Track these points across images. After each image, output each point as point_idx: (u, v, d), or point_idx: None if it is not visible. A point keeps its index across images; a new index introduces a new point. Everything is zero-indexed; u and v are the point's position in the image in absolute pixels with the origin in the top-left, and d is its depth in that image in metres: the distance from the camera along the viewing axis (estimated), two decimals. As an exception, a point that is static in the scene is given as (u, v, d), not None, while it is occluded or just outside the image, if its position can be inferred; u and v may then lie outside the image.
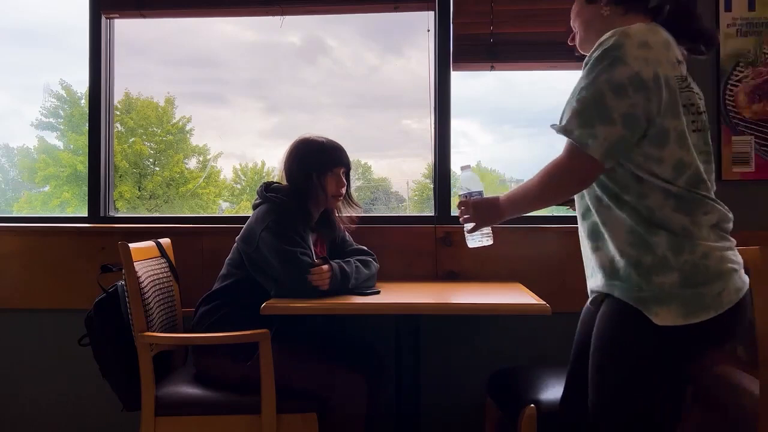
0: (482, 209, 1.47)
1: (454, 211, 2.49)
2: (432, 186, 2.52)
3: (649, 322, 1.18)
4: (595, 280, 1.33)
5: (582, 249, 1.39)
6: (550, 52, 2.41)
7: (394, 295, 1.82)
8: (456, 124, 2.50)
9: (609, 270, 1.26)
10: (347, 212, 2.11)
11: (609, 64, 1.18)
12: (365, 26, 2.71)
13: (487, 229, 1.55)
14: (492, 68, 2.45)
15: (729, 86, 2.31)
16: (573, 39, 1.46)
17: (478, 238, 1.57)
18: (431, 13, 2.49)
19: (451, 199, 2.48)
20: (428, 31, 2.49)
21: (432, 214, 2.48)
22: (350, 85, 2.74)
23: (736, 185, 2.30)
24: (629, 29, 1.21)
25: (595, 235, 1.30)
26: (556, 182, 1.28)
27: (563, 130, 1.22)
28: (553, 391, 1.69)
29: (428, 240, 2.37)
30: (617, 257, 1.24)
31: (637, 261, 1.21)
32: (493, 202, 1.43)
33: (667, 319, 1.17)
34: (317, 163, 1.97)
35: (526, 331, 2.19)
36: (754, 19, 2.30)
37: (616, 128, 1.17)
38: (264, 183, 2.01)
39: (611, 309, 1.26)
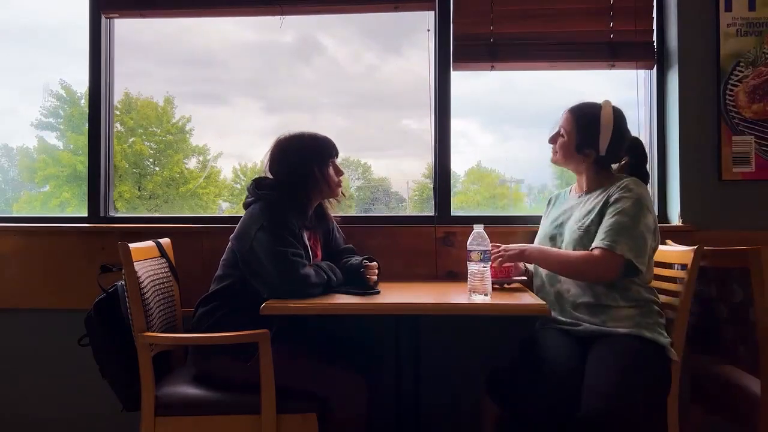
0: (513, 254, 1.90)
1: (455, 211, 2.49)
2: (432, 186, 2.52)
3: (664, 351, 1.73)
4: (598, 323, 1.80)
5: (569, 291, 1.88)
6: (550, 51, 2.41)
7: (394, 295, 1.81)
8: (456, 124, 2.50)
9: (630, 325, 1.76)
10: (340, 203, 2.15)
11: (642, 210, 1.76)
12: (365, 26, 2.70)
13: (490, 291, 1.70)
14: (492, 68, 2.45)
15: (729, 86, 2.31)
16: (554, 146, 1.99)
17: (481, 298, 1.67)
18: (431, 13, 2.49)
19: (451, 199, 2.48)
20: (428, 30, 2.49)
21: (432, 214, 2.48)
22: (350, 84, 2.74)
23: (736, 185, 2.30)
24: (638, 181, 1.84)
25: (602, 310, 1.81)
26: (584, 270, 1.78)
27: (612, 248, 1.72)
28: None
29: (428, 240, 2.37)
30: (631, 320, 1.76)
31: (645, 321, 1.76)
32: (522, 249, 1.90)
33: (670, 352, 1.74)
34: (317, 156, 1.98)
35: (526, 331, 2.18)
36: (754, 19, 2.30)
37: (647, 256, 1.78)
38: (254, 180, 2.00)
39: (634, 343, 1.70)
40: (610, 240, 1.73)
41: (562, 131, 1.95)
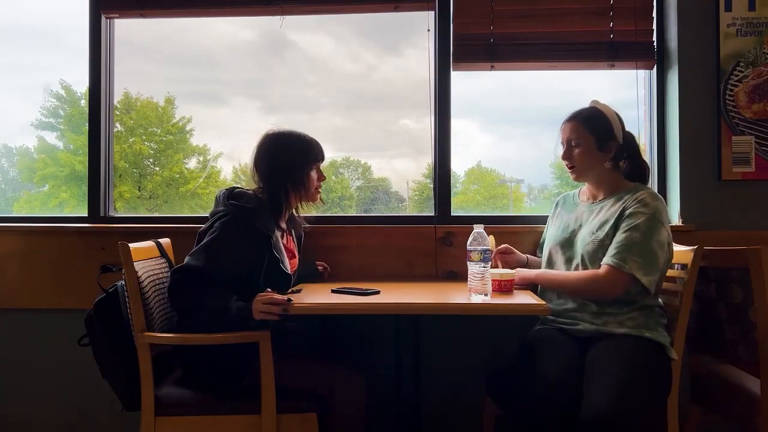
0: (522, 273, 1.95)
1: (455, 211, 2.49)
2: (432, 186, 2.52)
3: (665, 350, 1.73)
4: (602, 324, 1.80)
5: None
6: (550, 52, 2.41)
7: (394, 295, 1.81)
8: (456, 124, 2.50)
9: (631, 325, 1.76)
10: (317, 207, 2.14)
11: (656, 226, 1.75)
12: (364, 26, 2.70)
13: (490, 291, 1.71)
14: (492, 68, 2.45)
15: (729, 86, 2.31)
16: (569, 162, 1.93)
17: (481, 298, 1.68)
18: (431, 13, 2.49)
19: (451, 199, 2.48)
20: (428, 30, 2.49)
21: (432, 214, 2.48)
22: (349, 84, 2.74)
23: (737, 185, 2.31)
24: (654, 194, 1.82)
25: (604, 315, 1.81)
26: (588, 290, 1.80)
27: (620, 266, 1.71)
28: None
29: (428, 240, 2.37)
30: (632, 321, 1.76)
31: (647, 322, 1.77)
32: (529, 274, 1.96)
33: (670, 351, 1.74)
34: (301, 153, 1.96)
35: (526, 330, 2.18)
36: (754, 19, 2.30)
37: (659, 271, 1.76)
38: (227, 190, 1.90)
39: (635, 342, 1.70)
40: (620, 258, 1.72)
41: (574, 141, 1.90)
